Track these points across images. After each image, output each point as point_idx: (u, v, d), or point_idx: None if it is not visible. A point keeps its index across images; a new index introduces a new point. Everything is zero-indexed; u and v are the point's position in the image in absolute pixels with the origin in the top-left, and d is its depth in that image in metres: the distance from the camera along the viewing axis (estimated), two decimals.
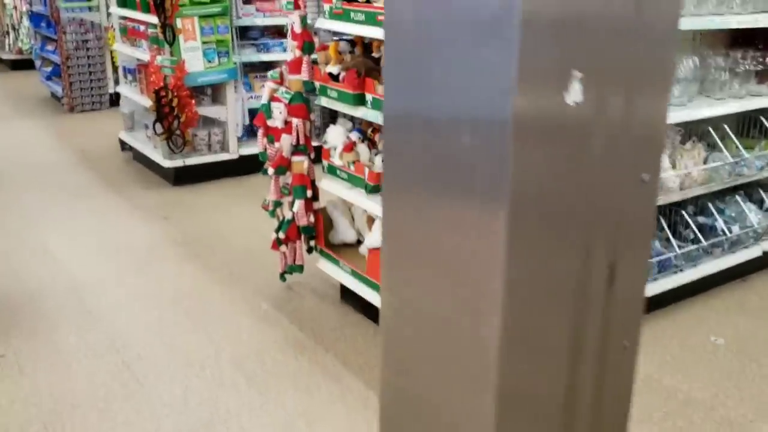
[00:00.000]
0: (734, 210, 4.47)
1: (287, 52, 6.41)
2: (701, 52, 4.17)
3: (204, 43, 5.87)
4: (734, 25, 3.95)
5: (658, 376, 3.53)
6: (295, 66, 3.94)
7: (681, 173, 3.92)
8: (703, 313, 4.17)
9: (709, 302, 4.29)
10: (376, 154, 3.95)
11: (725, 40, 4.53)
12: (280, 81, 4.00)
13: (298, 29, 3.86)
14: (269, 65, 6.62)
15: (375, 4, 3.49)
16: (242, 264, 4.80)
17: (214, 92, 6.33)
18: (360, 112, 3.67)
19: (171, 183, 6.36)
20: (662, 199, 3.92)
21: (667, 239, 4.12)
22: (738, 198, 4.48)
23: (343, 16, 3.67)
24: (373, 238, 3.76)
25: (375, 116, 3.57)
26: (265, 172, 4.13)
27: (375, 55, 3.82)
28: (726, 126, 4.25)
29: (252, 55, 6.34)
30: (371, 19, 3.48)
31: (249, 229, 5.36)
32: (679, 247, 4.09)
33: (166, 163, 6.19)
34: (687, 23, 3.56)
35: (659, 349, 3.77)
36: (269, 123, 4.05)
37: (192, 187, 6.28)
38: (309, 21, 3.89)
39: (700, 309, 4.21)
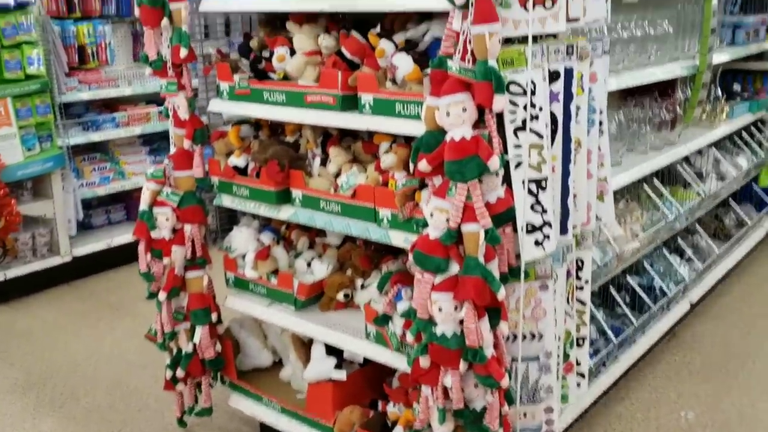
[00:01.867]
0: (662, 264, 4.24)
1: (127, 127, 5.48)
2: (619, 106, 3.92)
3: (21, 128, 4.74)
4: (660, 77, 3.72)
5: None
6: (183, 160, 3.09)
7: (633, 238, 3.58)
8: (658, 385, 3.84)
9: (656, 370, 3.98)
10: (295, 257, 3.21)
11: (620, 93, 4.33)
12: (164, 180, 3.12)
13: (184, 115, 3.03)
14: (100, 146, 5.58)
15: (300, 82, 2.78)
16: (119, 409, 3.76)
17: (36, 185, 5.16)
18: (285, 213, 2.91)
19: None
20: (617, 269, 3.57)
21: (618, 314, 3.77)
22: (665, 251, 4.26)
23: (252, 96, 2.91)
24: (315, 368, 2.99)
25: (308, 217, 2.84)
26: (153, 296, 3.20)
27: (289, 139, 3.09)
28: (655, 179, 4.02)
29: (79, 136, 5.26)
30: (296, 100, 2.77)
31: (112, 355, 4.30)
32: (636, 318, 3.74)
33: None
34: (614, 83, 3.24)
35: None
36: (153, 234, 3.14)
37: (20, 305, 5.03)
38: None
39: (652, 380, 3.89)
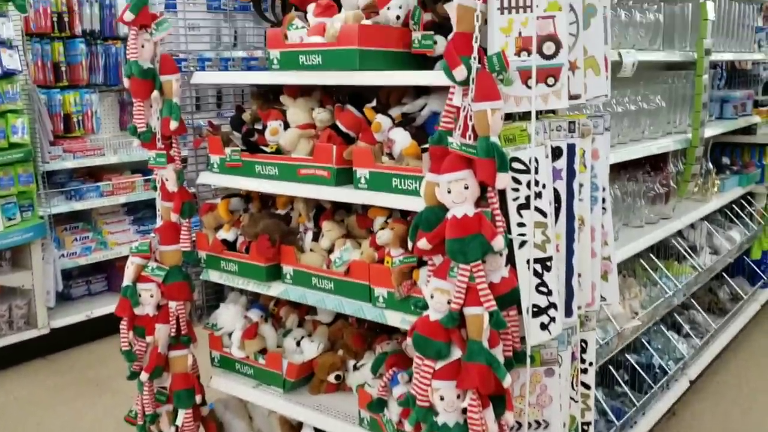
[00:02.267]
0: (660, 341, 4.13)
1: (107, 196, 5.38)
2: (613, 179, 3.87)
3: (2, 197, 4.61)
4: (654, 151, 3.69)
5: None
6: (170, 234, 2.98)
7: (634, 316, 3.48)
8: None
9: None
10: (284, 335, 3.07)
11: (612, 166, 4.30)
12: (149, 254, 3.00)
13: (173, 187, 2.94)
14: (83, 215, 5.46)
15: (293, 155, 2.70)
16: None
17: (15, 255, 5.00)
18: (276, 290, 2.80)
19: None
20: (617, 348, 3.45)
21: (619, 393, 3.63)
22: (662, 327, 4.16)
23: (243, 169, 2.83)
24: None
25: (299, 294, 2.73)
26: (135, 376, 3.04)
27: (280, 212, 2.99)
28: (651, 254, 3.95)
29: (62, 205, 5.14)
30: (289, 174, 2.69)
31: None
32: (637, 398, 3.61)
33: None
34: (612, 157, 3.20)
35: None
36: (136, 311, 3.00)
37: None
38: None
39: None
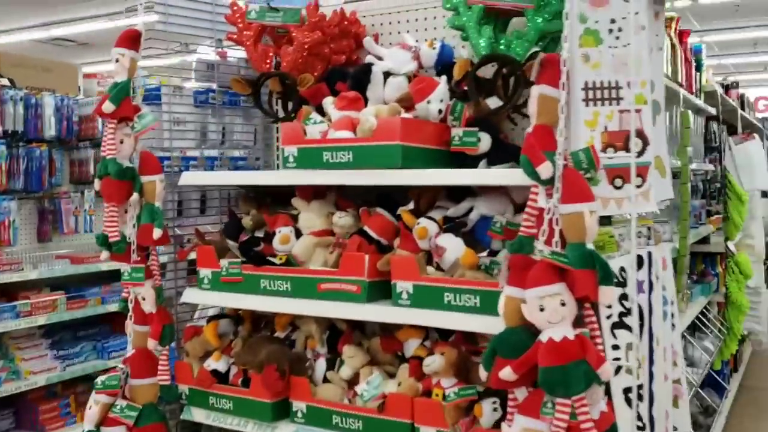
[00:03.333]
0: None
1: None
2: None
3: None
4: None
5: None
6: (145, 365, 2.47)
7: None
8: None
9: None
10: None
11: None
12: (117, 390, 2.45)
13: (150, 308, 2.45)
14: None
15: (311, 266, 2.30)
16: None
17: None
18: (285, 431, 2.31)
19: None
20: None
21: None
22: None
23: (243, 285, 2.39)
24: None
25: None
26: None
27: (279, 335, 2.54)
28: None
29: None
30: (305, 290, 2.27)
31: None
32: None
33: None
34: None
35: None
36: None
37: None
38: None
39: None
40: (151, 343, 2.46)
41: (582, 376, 1.70)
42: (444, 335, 2.25)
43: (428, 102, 2.20)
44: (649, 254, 2.03)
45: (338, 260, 2.26)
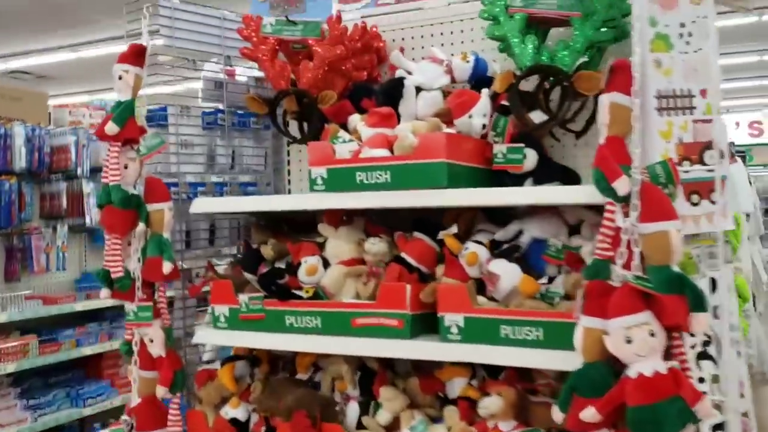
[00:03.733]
0: None
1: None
2: None
3: None
4: None
5: None
6: (153, 416, 2.22)
7: None
8: None
9: None
10: None
11: None
12: None
13: (160, 350, 2.20)
14: None
15: (342, 299, 2.08)
16: None
17: None
18: None
19: None
20: None
21: None
22: None
23: (266, 323, 2.16)
24: None
25: None
26: None
27: (301, 377, 2.31)
28: None
29: None
30: (338, 325, 2.05)
31: None
32: None
33: None
34: None
35: None
36: None
37: None
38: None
39: None
40: (161, 391, 2.20)
41: (677, 415, 1.51)
42: (492, 373, 2.05)
43: (470, 116, 2.02)
44: (717, 278, 1.88)
45: (374, 292, 2.05)
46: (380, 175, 1.98)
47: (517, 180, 2.03)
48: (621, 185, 1.62)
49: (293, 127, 2.41)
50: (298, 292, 2.14)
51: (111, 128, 2.16)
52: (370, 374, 2.19)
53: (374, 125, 2.08)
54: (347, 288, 2.12)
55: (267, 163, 2.64)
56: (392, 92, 2.15)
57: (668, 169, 1.65)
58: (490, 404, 1.88)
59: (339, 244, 2.16)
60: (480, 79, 2.21)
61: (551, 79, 2.04)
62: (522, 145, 2.02)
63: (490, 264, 1.93)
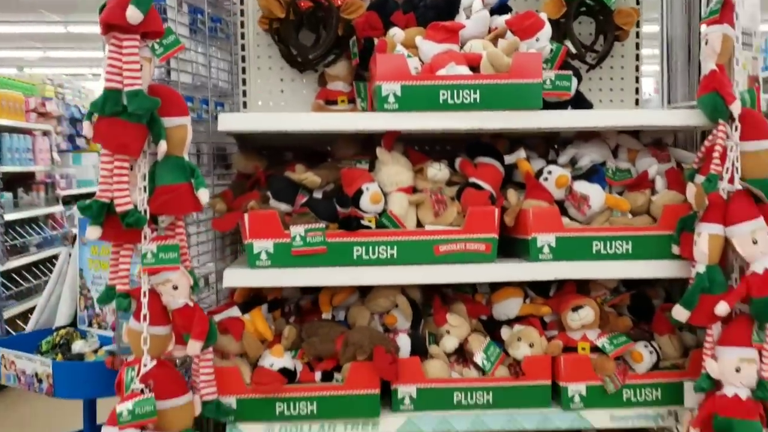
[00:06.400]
0: None
1: None
2: None
3: None
4: None
5: None
6: (174, 379, 1.82)
7: None
8: None
9: None
10: None
11: None
12: (155, 419, 1.76)
13: (185, 299, 1.80)
14: None
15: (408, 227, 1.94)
16: None
17: None
18: (391, 426, 1.94)
19: None
20: None
21: None
22: None
23: (328, 257, 1.90)
24: None
25: (435, 423, 1.95)
26: None
27: (326, 316, 2.09)
28: None
29: None
30: (419, 254, 1.92)
31: None
32: None
33: None
34: None
35: None
36: None
37: None
38: None
39: None
40: (195, 346, 1.80)
41: None
42: (543, 291, 2.13)
43: (537, 39, 2.03)
44: None
45: (454, 218, 1.96)
46: (469, 94, 1.89)
47: (557, 107, 2.10)
48: (735, 107, 1.83)
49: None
50: (364, 222, 1.94)
51: (134, 15, 1.66)
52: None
53: (442, 41, 1.96)
54: (410, 217, 1.98)
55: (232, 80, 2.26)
56: (449, 8, 2.05)
57: (754, 96, 1.91)
58: (586, 315, 1.97)
59: (399, 170, 1.99)
60: (502, 5, 2.21)
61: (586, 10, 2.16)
62: (570, 72, 2.10)
63: (575, 185, 1.99)
